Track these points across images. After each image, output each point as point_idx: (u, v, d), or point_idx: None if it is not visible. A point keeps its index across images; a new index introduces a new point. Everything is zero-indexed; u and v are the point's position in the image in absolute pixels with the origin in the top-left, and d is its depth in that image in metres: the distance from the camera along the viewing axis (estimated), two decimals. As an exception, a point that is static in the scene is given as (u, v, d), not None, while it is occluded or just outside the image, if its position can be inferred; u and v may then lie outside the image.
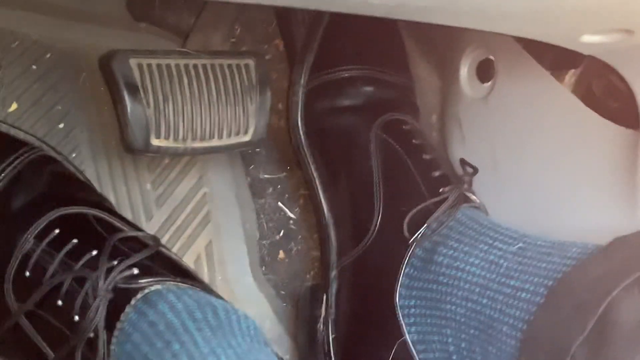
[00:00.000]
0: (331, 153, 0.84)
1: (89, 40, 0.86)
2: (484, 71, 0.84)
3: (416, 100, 0.88)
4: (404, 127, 0.82)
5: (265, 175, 0.92)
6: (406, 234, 0.75)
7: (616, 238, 0.66)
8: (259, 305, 0.87)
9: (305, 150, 0.85)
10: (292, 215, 0.92)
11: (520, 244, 0.70)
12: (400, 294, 0.75)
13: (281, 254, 0.91)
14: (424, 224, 0.75)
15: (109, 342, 0.64)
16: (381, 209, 0.78)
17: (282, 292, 0.90)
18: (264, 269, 0.90)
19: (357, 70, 0.84)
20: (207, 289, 0.70)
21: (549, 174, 0.79)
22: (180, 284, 0.68)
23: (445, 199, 0.76)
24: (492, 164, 0.83)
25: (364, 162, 0.81)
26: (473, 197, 0.78)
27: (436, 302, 0.73)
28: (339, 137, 0.83)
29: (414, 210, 0.76)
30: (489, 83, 0.83)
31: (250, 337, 0.65)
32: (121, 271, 0.65)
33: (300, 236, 0.92)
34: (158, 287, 0.66)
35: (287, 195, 0.92)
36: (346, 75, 0.84)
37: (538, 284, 0.66)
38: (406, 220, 0.76)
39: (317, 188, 0.85)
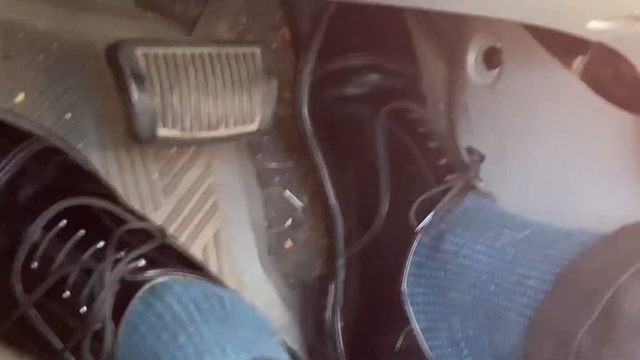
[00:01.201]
0: (337, 141, 0.84)
1: (96, 30, 0.86)
2: (491, 59, 0.84)
3: (423, 88, 0.88)
4: (410, 115, 0.82)
5: (272, 164, 0.92)
6: (413, 222, 0.75)
7: (624, 225, 0.66)
8: (267, 294, 0.87)
9: (312, 138, 0.85)
10: (299, 204, 0.92)
11: (528, 232, 0.70)
12: (407, 282, 0.75)
13: (289, 243, 0.91)
14: (431, 212, 0.75)
15: (115, 333, 0.64)
16: (388, 197, 0.78)
17: (290, 281, 0.90)
18: (271, 257, 0.90)
19: (363, 59, 0.84)
20: (214, 279, 0.71)
21: (557, 161, 0.79)
22: (187, 275, 0.68)
23: (451, 187, 0.76)
24: (500, 152, 0.83)
25: (370, 150, 0.81)
26: (480, 185, 0.78)
27: (443, 290, 0.73)
28: (345, 125, 0.83)
29: (421, 199, 0.76)
30: (496, 70, 0.83)
31: (258, 328, 0.65)
32: (128, 263, 0.66)
33: (307, 225, 0.92)
34: (165, 278, 0.66)
35: (294, 183, 0.92)
36: (352, 63, 0.84)
37: (545, 271, 0.66)
38: (413, 208, 0.76)
39: (323, 177, 0.85)
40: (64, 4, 0.85)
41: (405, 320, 0.75)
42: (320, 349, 0.84)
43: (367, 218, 0.80)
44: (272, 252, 0.90)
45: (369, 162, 0.81)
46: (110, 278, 0.65)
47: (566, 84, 0.77)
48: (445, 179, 0.77)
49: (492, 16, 0.60)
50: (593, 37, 0.66)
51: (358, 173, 0.82)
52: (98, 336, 0.64)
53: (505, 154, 0.83)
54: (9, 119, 0.75)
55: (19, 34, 0.84)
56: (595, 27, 0.61)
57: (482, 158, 0.79)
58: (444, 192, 0.76)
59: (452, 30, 0.89)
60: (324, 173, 0.85)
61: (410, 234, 0.75)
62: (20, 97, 0.83)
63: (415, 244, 0.74)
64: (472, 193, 0.76)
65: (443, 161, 0.79)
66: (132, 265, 0.66)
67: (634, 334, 0.60)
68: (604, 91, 0.75)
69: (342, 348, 0.82)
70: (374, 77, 0.84)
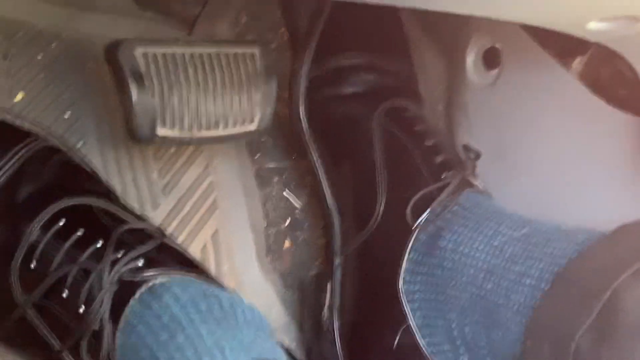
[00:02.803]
0: (334, 141, 0.84)
1: (95, 29, 0.86)
2: (490, 59, 0.84)
3: (418, 87, 0.88)
4: (405, 114, 0.82)
5: (271, 164, 0.92)
6: (409, 219, 0.75)
7: (622, 225, 0.66)
8: (265, 294, 0.87)
9: (308, 138, 0.85)
10: (298, 204, 0.92)
11: (525, 230, 0.70)
12: (404, 279, 0.75)
13: (287, 243, 0.91)
14: (427, 209, 0.75)
15: (114, 333, 0.64)
16: (384, 195, 0.78)
17: (289, 281, 0.90)
18: (270, 257, 0.90)
19: (358, 59, 0.84)
20: (212, 280, 0.70)
21: (556, 161, 0.79)
22: (185, 275, 0.68)
23: (448, 184, 0.76)
24: (499, 152, 0.83)
25: (366, 149, 0.81)
26: (476, 182, 0.78)
27: (440, 287, 0.73)
28: (342, 124, 0.83)
29: (417, 196, 0.76)
30: (496, 71, 0.83)
31: (256, 328, 0.65)
32: (126, 263, 0.65)
33: (306, 225, 0.92)
34: (163, 278, 0.66)
35: (293, 183, 0.92)
36: (348, 63, 0.84)
37: (543, 269, 0.66)
38: (409, 205, 0.76)
39: (320, 176, 0.85)
40: (64, 3, 0.86)
41: (403, 318, 0.75)
42: (318, 348, 0.84)
43: (364, 216, 0.80)
44: (271, 251, 0.90)
45: (366, 161, 0.81)
46: (108, 278, 0.65)
47: (565, 84, 0.77)
48: (441, 177, 0.77)
49: (491, 17, 0.60)
50: (592, 38, 0.66)
51: (355, 171, 0.82)
52: (96, 336, 0.64)
53: (504, 154, 0.83)
54: (8, 118, 0.74)
55: (18, 33, 0.84)
56: (595, 28, 0.61)
57: (478, 155, 0.79)
58: (441, 189, 0.76)
59: (451, 31, 0.89)
60: (321, 172, 0.85)
61: (407, 231, 0.75)
62: (19, 96, 0.83)
63: (412, 240, 0.75)
64: (469, 190, 0.76)
65: (439, 159, 0.79)
66: (131, 265, 0.66)
67: (633, 335, 0.59)
68: (602, 92, 0.75)
69: (340, 346, 0.82)
70: (370, 77, 0.84)
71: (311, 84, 0.85)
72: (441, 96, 0.93)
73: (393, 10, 0.87)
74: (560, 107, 0.78)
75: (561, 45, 0.76)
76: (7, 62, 0.84)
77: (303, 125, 0.85)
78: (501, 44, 0.82)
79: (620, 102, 0.74)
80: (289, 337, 0.87)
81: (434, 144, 0.80)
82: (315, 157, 0.85)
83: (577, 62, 0.78)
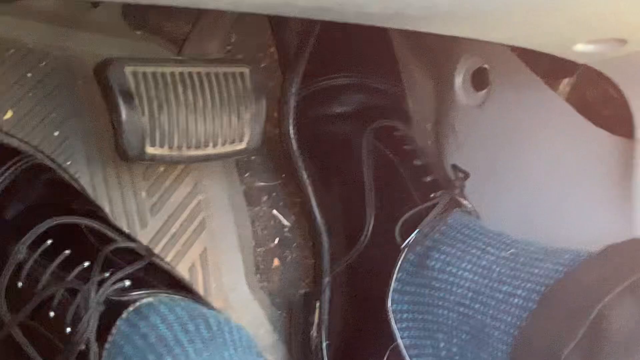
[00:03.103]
0: (323, 160, 0.84)
1: (85, 48, 0.86)
2: (479, 79, 0.85)
3: (408, 107, 0.88)
4: (395, 133, 0.82)
5: (260, 183, 0.92)
6: (398, 239, 0.75)
7: (609, 245, 0.66)
8: (253, 313, 0.87)
9: (297, 157, 0.85)
10: (286, 223, 0.92)
11: (512, 250, 0.70)
12: (392, 299, 0.75)
13: (276, 262, 0.91)
14: (416, 229, 0.75)
15: (100, 354, 0.64)
16: (373, 214, 0.78)
17: (277, 300, 0.90)
18: (258, 276, 0.90)
19: (348, 79, 0.84)
20: (200, 300, 0.70)
21: (545, 181, 0.79)
22: (172, 295, 0.67)
23: (436, 204, 0.76)
24: (488, 172, 0.83)
25: (355, 168, 0.81)
26: (465, 202, 0.78)
27: (428, 307, 0.73)
28: (331, 144, 0.83)
29: (406, 216, 0.76)
30: (484, 91, 0.84)
31: (243, 349, 0.65)
32: (113, 283, 0.65)
33: (295, 244, 0.92)
34: (150, 299, 0.65)
35: (281, 203, 0.92)
36: (337, 83, 0.84)
37: (530, 289, 0.66)
38: (398, 225, 0.76)
39: (309, 195, 0.85)
40: (54, 21, 0.85)
41: (391, 337, 0.75)
42: (307, 368, 0.84)
43: (352, 235, 0.80)
44: (259, 271, 0.90)
45: (354, 180, 0.81)
46: (95, 298, 0.64)
47: (553, 106, 0.77)
48: (430, 196, 0.77)
49: (480, 38, 0.60)
50: (579, 59, 0.67)
51: (343, 191, 0.82)
52: (82, 357, 0.64)
53: (493, 174, 0.83)
54: (-3, 136, 0.74)
55: (8, 51, 0.84)
56: (582, 50, 0.62)
57: (466, 176, 0.80)
58: (429, 209, 0.76)
59: (440, 51, 0.89)
60: (310, 191, 0.85)
61: (396, 251, 0.75)
62: (8, 114, 0.83)
63: (400, 260, 0.75)
64: (457, 210, 0.77)
65: (428, 179, 0.79)
66: (118, 285, 0.65)
67: (619, 354, 0.60)
68: (589, 112, 0.75)
69: (328, 366, 0.81)
70: (359, 96, 0.84)
71: (300, 103, 0.85)
72: (430, 116, 0.93)
73: (382, 31, 0.88)
74: (548, 127, 0.78)
75: (549, 67, 0.77)
76: (-4, 79, 0.84)
77: (292, 144, 0.85)
78: (490, 65, 0.83)
79: (607, 123, 0.74)
80: (277, 357, 0.86)
81: (422, 163, 0.81)
82: (304, 176, 0.85)
83: (565, 84, 0.78)
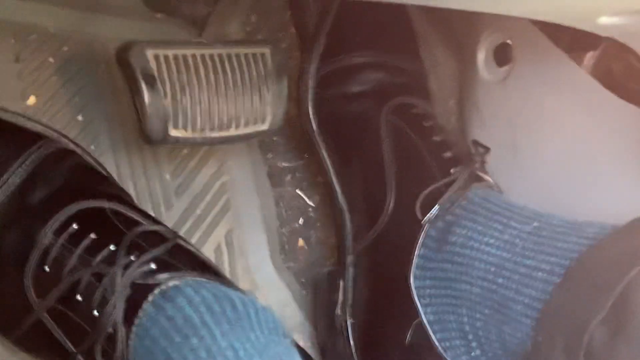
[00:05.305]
0: (343, 138, 0.84)
1: (106, 32, 0.87)
2: (502, 55, 0.84)
3: (428, 85, 0.88)
4: (414, 110, 0.82)
5: (284, 164, 0.92)
6: (419, 215, 0.75)
7: (635, 219, 0.66)
8: (279, 293, 0.87)
9: (317, 137, 0.85)
10: (310, 203, 0.92)
11: (536, 223, 0.70)
12: (415, 275, 0.75)
13: (300, 242, 0.91)
14: (436, 205, 0.75)
15: (127, 337, 0.64)
16: (394, 192, 0.78)
17: (302, 280, 0.90)
18: (283, 257, 0.90)
19: (366, 57, 0.84)
20: (226, 281, 0.71)
21: (569, 156, 0.79)
22: (198, 277, 0.68)
23: (456, 179, 0.76)
24: (511, 148, 0.83)
25: (375, 146, 0.81)
26: (486, 177, 0.78)
27: (451, 282, 0.73)
28: (350, 122, 0.83)
29: (426, 192, 0.76)
30: (507, 67, 0.83)
31: (269, 330, 0.65)
32: (139, 266, 0.66)
33: (319, 224, 0.92)
34: (176, 281, 0.66)
35: (305, 182, 0.92)
36: (356, 61, 0.84)
37: (555, 263, 0.66)
38: (418, 201, 0.76)
39: (330, 174, 0.85)
40: (74, 6, 0.86)
41: (414, 314, 0.75)
42: (332, 346, 0.84)
43: (373, 213, 0.80)
44: (284, 251, 0.90)
45: (374, 158, 0.81)
46: (121, 282, 0.65)
47: (577, 80, 0.77)
48: (450, 172, 0.77)
49: (502, 13, 0.60)
50: (603, 33, 0.66)
51: (363, 169, 0.82)
52: (110, 340, 0.65)
53: (516, 149, 0.83)
54: (21, 121, 0.75)
55: (30, 36, 0.85)
56: (606, 23, 0.61)
57: (487, 150, 0.79)
58: (449, 184, 0.76)
59: (462, 27, 0.88)
60: (331, 170, 0.85)
61: (417, 227, 0.75)
62: (31, 99, 0.83)
63: (422, 236, 0.75)
64: (478, 185, 0.76)
65: (448, 154, 0.79)
66: (144, 268, 0.66)
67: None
68: (615, 86, 0.75)
69: (354, 344, 0.82)
70: (378, 75, 0.84)
71: (319, 82, 0.85)
72: (453, 92, 0.93)
73: (401, 8, 0.87)
74: (572, 101, 0.78)
75: (572, 40, 0.76)
76: (19, 65, 0.84)
77: (312, 124, 0.85)
78: (512, 40, 0.82)
79: (632, 96, 0.73)
80: (303, 337, 0.87)
81: (442, 139, 0.80)
82: (325, 155, 0.85)
83: (589, 57, 0.78)
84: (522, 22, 0.78)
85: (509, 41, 0.82)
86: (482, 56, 0.85)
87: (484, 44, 0.85)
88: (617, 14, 0.60)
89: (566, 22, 0.63)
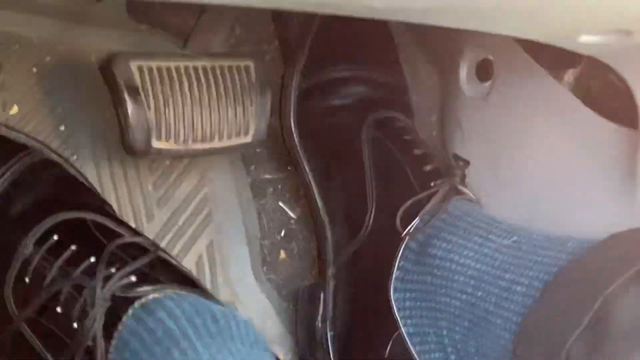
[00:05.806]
0: (324, 152, 0.85)
1: (90, 42, 0.86)
2: (483, 71, 0.84)
3: (409, 99, 0.89)
4: (395, 124, 0.83)
5: (266, 176, 0.92)
6: (399, 227, 0.76)
7: (613, 234, 0.66)
8: (260, 306, 0.87)
9: (299, 150, 0.86)
10: (292, 215, 0.92)
11: (515, 237, 0.71)
12: (395, 288, 0.75)
13: (282, 254, 0.91)
14: (417, 217, 0.75)
15: (107, 350, 0.64)
16: (374, 204, 0.79)
17: (284, 292, 0.90)
18: (265, 269, 0.90)
19: (348, 71, 0.85)
20: (206, 294, 0.70)
21: (549, 172, 0.79)
22: (179, 290, 0.68)
23: (436, 192, 0.76)
24: (492, 163, 0.83)
25: (356, 159, 0.81)
26: (466, 190, 0.78)
27: (431, 295, 0.73)
28: (331, 136, 0.84)
29: (406, 204, 0.76)
30: (488, 83, 0.84)
31: (250, 343, 0.65)
32: (119, 279, 0.65)
33: (301, 236, 0.92)
34: (156, 294, 0.66)
35: (287, 195, 0.93)
36: (337, 76, 0.84)
37: (533, 277, 0.66)
38: (399, 214, 0.76)
39: (312, 187, 0.85)
40: (58, 16, 0.85)
41: (394, 326, 0.75)
42: (313, 358, 0.84)
43: (354, 226, 0.80)
44: (266, 263, 0.90)
45: (355, 171, 0.81)
46: (101, 295, 0.64)
47: (558, 96, 0.77)
48: (430, 185, 0.77)
49: (484, 30, 0.60)
50: (584, 51, 0.67)
51: (345, 182, 0.83)
52: (89, 353, 0.64)
53: (497, 164, 0.83)
54: (3, 131, 0.75)
55: (13, 46, 0.84)
56: (586, 41, 0.62)
57: (467, 164, 0.80)
58: (429, 197, 0.76)
59: (444, 43, 0.89)
60: (313, 183, 0.86)
61: (397, 240, 0.76)
62: (14, 109, 0.83)
63: (401, 249, 0.75)
64: (458, 198, 0.77)
65: (428, 167, 0.79)
66: (124, 281, 0.66)
67: (625, 344, 0.60)
68: (594, 103, 0.75)
69: (334, 356, 0.82)
70: (359, 88, 0.85)
71: (302, 96, 0.85)
72: (434, 107, 0.93)
73: (383, 23, 0.88)
74: (552, 118, 0.78)
75: (553, 58, 0.77)
76: (1, 75, 0.83)
77: (294, 137, 0.86)
78: (494, 56, 0.82)
79: (612, 114, 0.74)
80: (284, 349, 0.87)
81: (423, 152, 0.81)
82: (306, 168, 0.86)
83: (569, 74, 0.78)
84: (503, 39, 0.78)
85: (490, 57, 0.83)
86: (464, 71, 0.86)
87: (466, 60, 0.85)
88: (597, 33, 0.61)
89: (548, 40, 0.63)
